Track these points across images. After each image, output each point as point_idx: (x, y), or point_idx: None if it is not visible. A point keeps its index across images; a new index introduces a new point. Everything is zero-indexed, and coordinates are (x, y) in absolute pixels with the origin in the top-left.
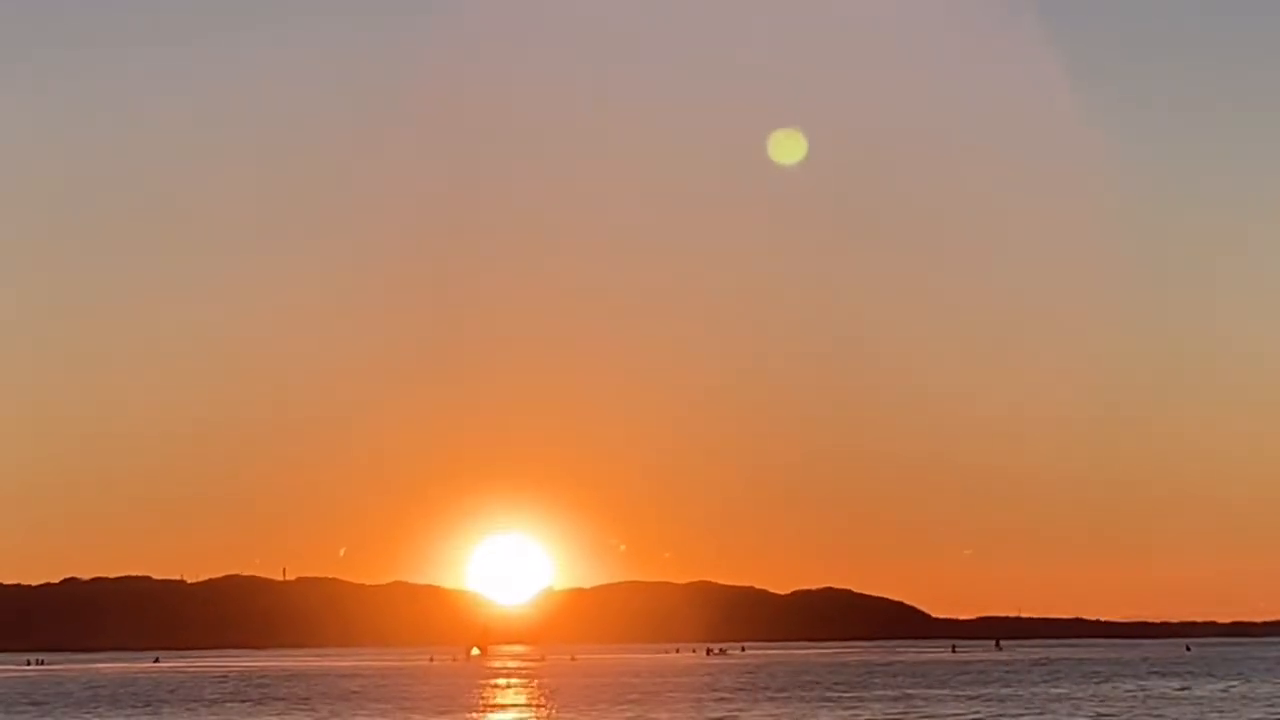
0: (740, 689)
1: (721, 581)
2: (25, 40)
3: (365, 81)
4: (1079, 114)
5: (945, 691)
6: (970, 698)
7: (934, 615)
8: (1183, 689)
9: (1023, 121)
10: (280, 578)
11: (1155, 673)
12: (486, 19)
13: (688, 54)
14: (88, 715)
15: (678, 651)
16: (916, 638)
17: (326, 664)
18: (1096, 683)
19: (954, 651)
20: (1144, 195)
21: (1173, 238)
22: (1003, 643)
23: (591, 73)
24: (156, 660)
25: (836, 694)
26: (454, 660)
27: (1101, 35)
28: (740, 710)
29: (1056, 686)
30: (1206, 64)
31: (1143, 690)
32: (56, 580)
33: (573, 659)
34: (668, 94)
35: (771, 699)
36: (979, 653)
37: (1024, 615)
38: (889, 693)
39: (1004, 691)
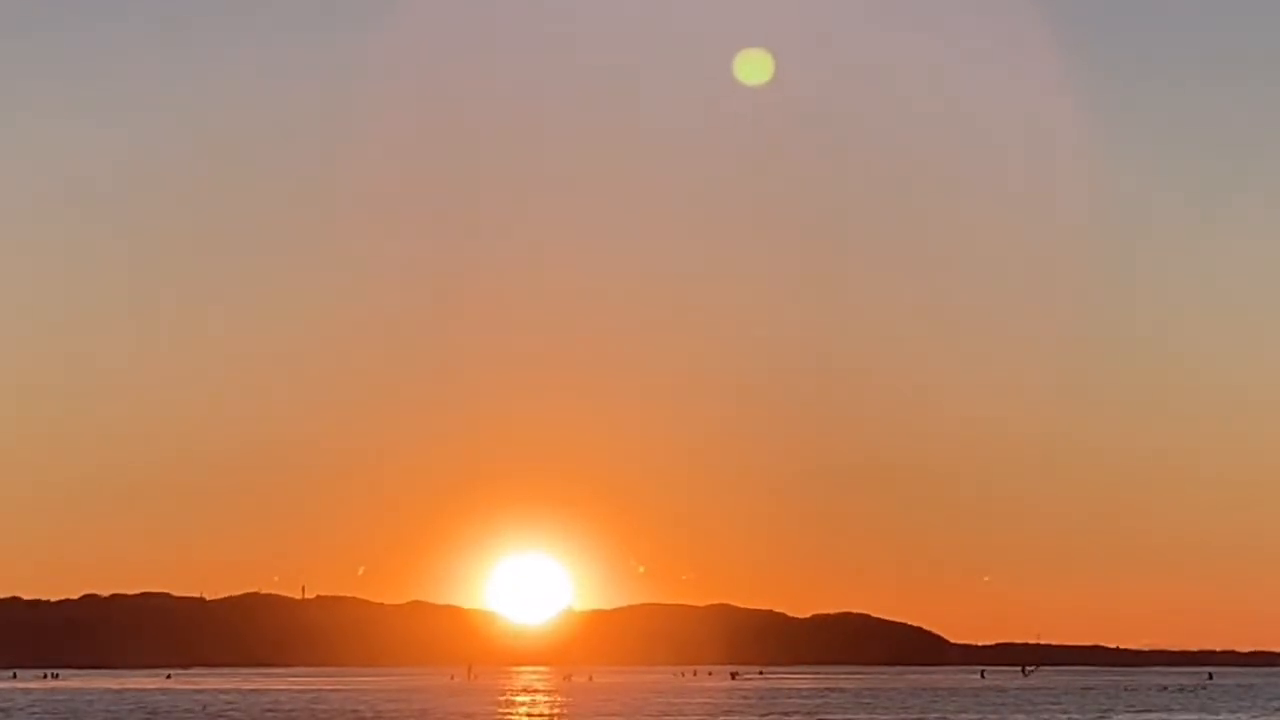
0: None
1: (741, 604)
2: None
3: (364, 89)
4: (1056, 89)
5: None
6: None
7: (952, 641)
8: None
9: (1001, 88)
10: (299, 596)
11: None
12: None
13: None
14: None
15: (694, 674)
16: (934, 664)
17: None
18: None
19: (982, 678)
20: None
21: (1185, 243)
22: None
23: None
24: (169, 677)
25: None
26: (469, 679)
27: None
28: None
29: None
30: (1193, 76)
31: None
32: (75, 596)
33: (590, 679)
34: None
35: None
36: (1013, 678)
37: (1043, 642)
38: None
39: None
